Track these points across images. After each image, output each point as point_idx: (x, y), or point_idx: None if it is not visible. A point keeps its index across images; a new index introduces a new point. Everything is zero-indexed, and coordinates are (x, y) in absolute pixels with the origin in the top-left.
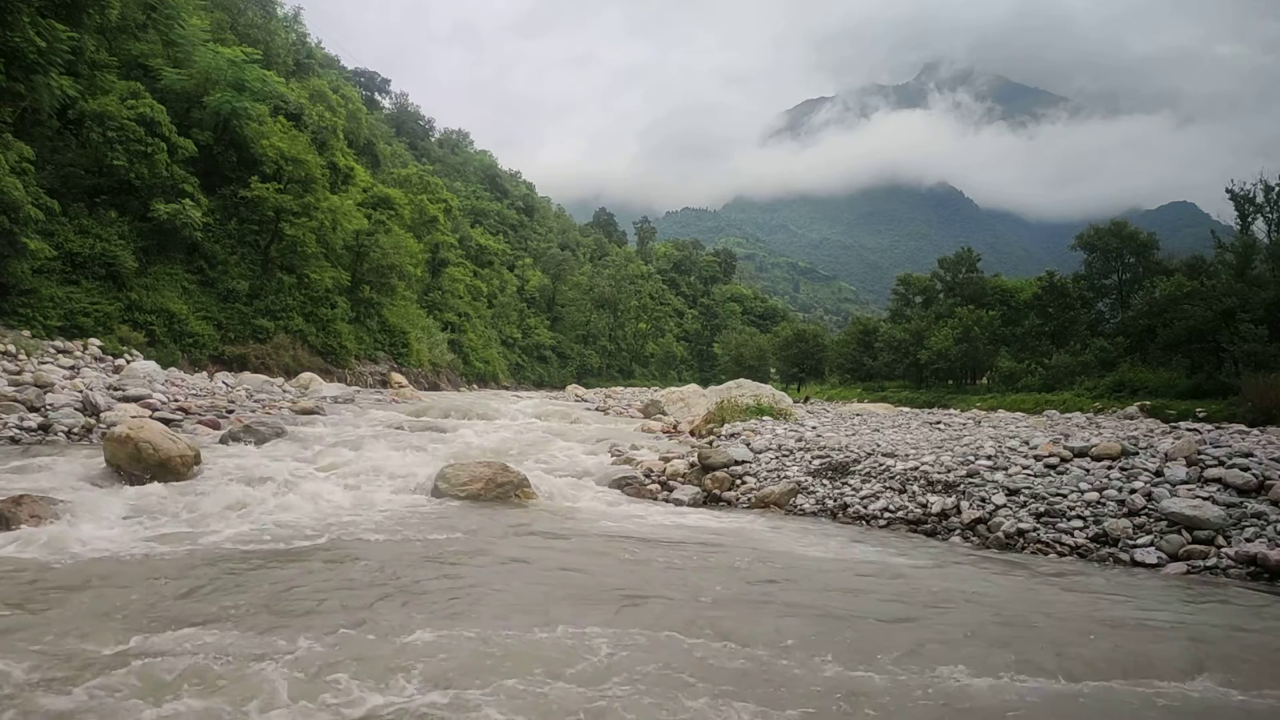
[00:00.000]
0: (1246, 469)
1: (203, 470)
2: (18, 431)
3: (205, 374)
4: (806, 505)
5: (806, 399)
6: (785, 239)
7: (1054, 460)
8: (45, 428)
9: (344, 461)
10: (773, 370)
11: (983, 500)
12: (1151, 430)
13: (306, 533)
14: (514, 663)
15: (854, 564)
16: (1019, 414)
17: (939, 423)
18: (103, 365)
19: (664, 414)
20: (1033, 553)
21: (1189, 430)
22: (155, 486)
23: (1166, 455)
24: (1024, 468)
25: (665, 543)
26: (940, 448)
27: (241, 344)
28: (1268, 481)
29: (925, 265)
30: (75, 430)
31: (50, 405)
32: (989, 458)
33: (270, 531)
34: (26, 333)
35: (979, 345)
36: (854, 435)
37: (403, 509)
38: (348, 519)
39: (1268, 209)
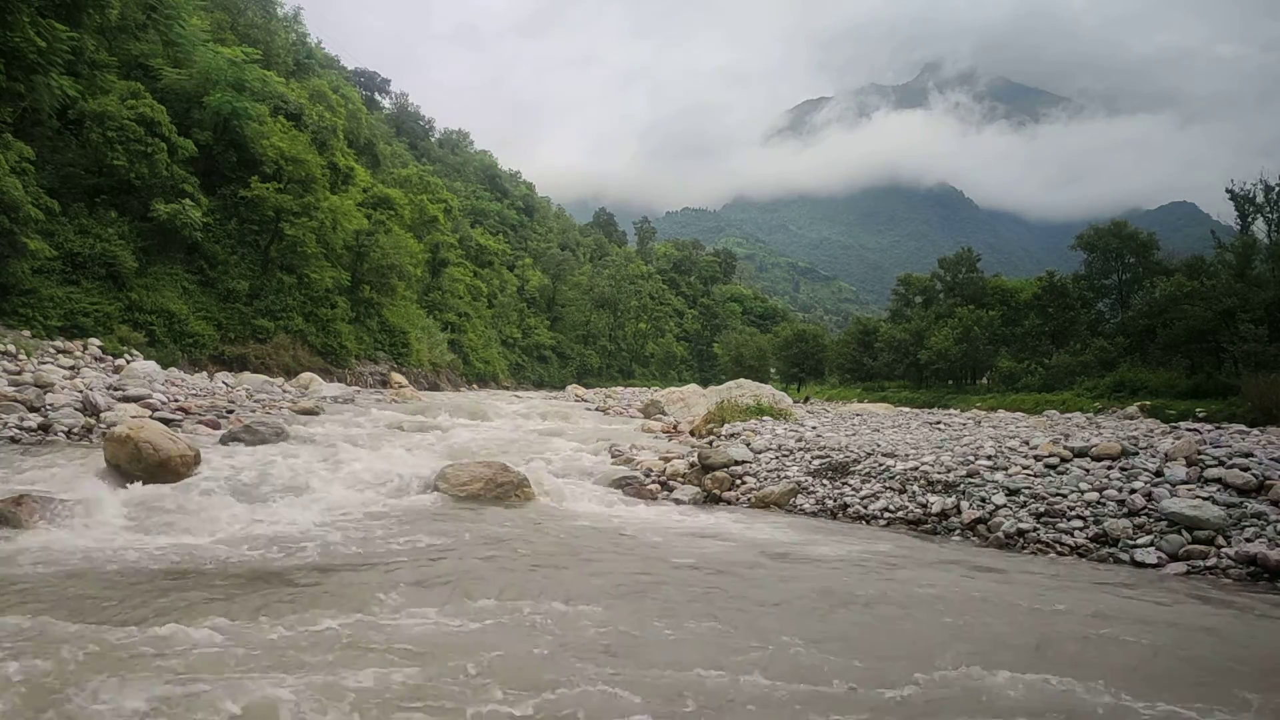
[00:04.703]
0: (1246, 469)
1: (202, 470)
2: (18, 431)
3: (205, 374)
4: (806, 505)
5: (806, 399)
6: (785, 239)
7: (1054, 460)
8: (45, 428)
9: (344, 461)
10: (773, 370)
11: (983, 500)
12: (1151, 430)
13: (305, 533)
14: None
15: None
16: (1019, 414)
17: (939, 423)
18: (103, 365)
19: (664, 414)
20: (1032, 553)
21: (1189, 430)
22: (155, 487)
23: (1166, 455)
24: (1024, 468)
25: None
26: (940, 448)
27: (241, 344)
28: (1268, 481)
29: (925, 265)
30: (75, 430)
31: (50, 405)
32: (989, 458)
33: (269, 532)
34: (26, 333)
35: (979, 345)
36: (854, 435)
37: (402, 509)
38: (347, 519)
39: (1268, 209)
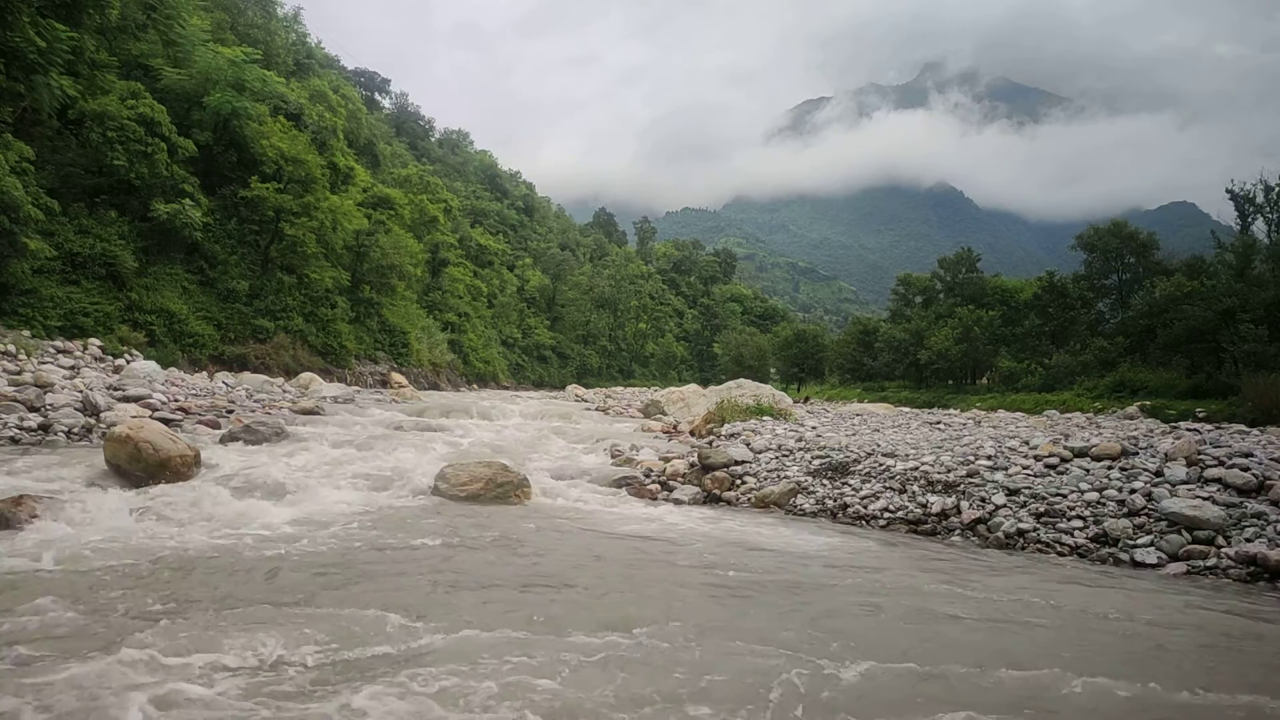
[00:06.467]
0: (1246, 469)
1: (202, 470)
2: (18, 431)
3: (205, 374)
4: (806, 505)
5: (806, 399)
6: (785, 239)
7: (1054, 460)
8: (45, 428)
9: (343, 462)
10: (773, 370)
11: (983, 500)
12: (1151, 430)
13: (305, 533)
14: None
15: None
16: (1019, 414)
17: (939, 423)
18: (103, 365)
19: (664, 414)
20: (1032, 553)
21: (1189, 430)
22: (155, 487)
23: (1166, 455)
24: (1024, 468)
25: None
26: (940, 448)
27: (241, 344)
28: (1268, 481)
29: (925, 265)
30: (75, 430)
31: (50, 405)
32: (989, 458)
33: (268, 532)
34: (26, 333)
35: (979, 345)
36: (854, 435)
37: (402, 509)
38: (346, 519)
39: (1268, 209)
